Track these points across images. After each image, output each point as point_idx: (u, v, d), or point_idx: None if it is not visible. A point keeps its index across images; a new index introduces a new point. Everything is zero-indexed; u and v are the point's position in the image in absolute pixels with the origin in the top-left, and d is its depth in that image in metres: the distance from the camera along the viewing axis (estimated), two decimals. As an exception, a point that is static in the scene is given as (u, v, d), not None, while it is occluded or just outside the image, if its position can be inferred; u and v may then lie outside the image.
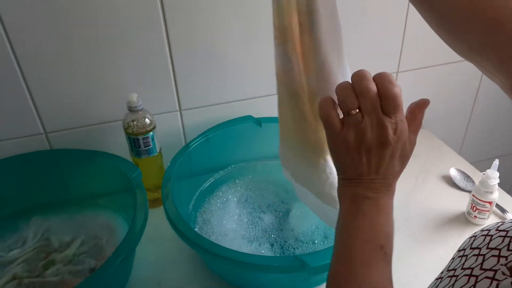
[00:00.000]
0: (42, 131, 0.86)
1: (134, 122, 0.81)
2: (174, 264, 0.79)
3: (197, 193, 0.89)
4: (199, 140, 0.87)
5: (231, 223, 0.85)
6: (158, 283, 0.76)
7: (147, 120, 0.82)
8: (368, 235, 0.43)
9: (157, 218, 0.81)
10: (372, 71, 0.44)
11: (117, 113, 0.87)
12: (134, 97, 0.79)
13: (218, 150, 0.91)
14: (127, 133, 0.82)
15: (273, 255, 0.78)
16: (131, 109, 0.80)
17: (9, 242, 0.82)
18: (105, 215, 0.87)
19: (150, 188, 0.88)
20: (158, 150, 0.86)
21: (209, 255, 0.63)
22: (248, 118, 0.93)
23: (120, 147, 0.87)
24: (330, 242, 0.79)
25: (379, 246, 0.42)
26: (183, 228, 0.67)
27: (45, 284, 0.74)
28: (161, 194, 0.74)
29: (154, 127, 0.83)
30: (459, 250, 0.43)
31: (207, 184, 0.92)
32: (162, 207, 0.89)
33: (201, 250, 0.64)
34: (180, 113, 0.92)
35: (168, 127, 0.93)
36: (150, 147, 0.83)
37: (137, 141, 0.81)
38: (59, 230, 0.85)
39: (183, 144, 0.97)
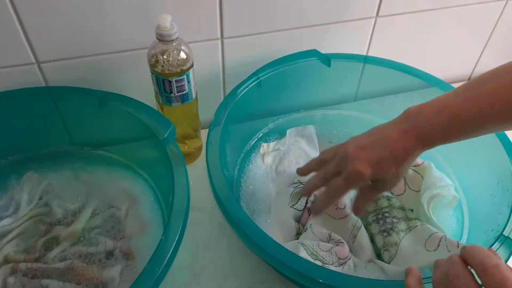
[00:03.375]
0: (33, 59, 0.62)
1: (165, 57, 0.57)
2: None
3: (242, 153, 0.68)
4: (249, 85, 0.64)
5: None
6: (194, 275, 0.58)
7: (182, 55, 0.58)
8: None
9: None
10: None
11: (138, 38, 0.62)
12: (167, 20, 0.54)
13: (272, 96, 0.69)
14: (154, 72, 0.58)
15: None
16: (162, 38, 0.55)
17: (-4, 207, 0.63)
18: (121, 175, 0.67)
19: (177, 138, 0.67)
20: (194, 96, 0.63)
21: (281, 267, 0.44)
22: (312, 53, 0.69)
23: (141, 87, 0.64)
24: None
25: None
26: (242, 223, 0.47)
27: (48, 272, 0.56)
28: (206, 164, 0.53)
29: (192, 65, 0.59)
30: None
31: (253, 141, 0.70)
32: (192, 164, 0.71)
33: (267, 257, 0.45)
34: (222, 42, 0.68)
35: (203, 61, 0.69)
36: (185, 92, 0.60)
37: (168, 84, 0.58)
38: (62, 193, 0.65)
39: (221, 85, 0.74)
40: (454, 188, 0.62)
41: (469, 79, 0.94)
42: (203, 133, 0.70)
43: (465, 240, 0.58)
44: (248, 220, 0.46)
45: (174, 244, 0.44)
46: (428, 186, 0.61)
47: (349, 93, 0.78)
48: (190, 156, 0.70)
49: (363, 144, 0.52)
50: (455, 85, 0.70)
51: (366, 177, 0.51)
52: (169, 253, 0.43)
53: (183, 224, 0.46)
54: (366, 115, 0.76)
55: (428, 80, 0.71)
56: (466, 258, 0.36)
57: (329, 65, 0.69)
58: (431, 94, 0.72)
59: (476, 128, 0.49)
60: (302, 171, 0.60)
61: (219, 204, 0.48)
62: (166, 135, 0.55)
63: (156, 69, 0.58)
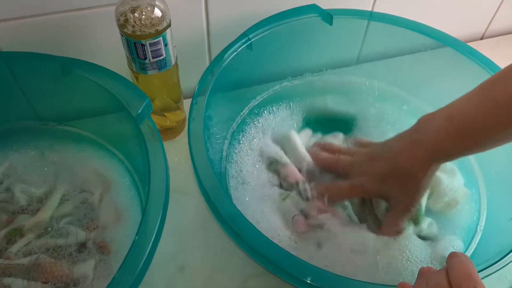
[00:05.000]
0: (-23, 19, 0.52)
1: (136, 15, 0.47)
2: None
3: (232, 127, 0.60)
4: (237, 48, 0.54)
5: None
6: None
7: (157, 12, 0.48)
8: None
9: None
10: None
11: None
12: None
13: (264, 60, 0.60)
14: (124, 34, 0.49)
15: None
16: (131, -8, 0.46)
17: None
18: (93, 154, 0.58)
19: (156, 111, 0.58)
20: (173, 61, 0.53)
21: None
22: (312, 9, 0.60)
23: (111, 53, 0.55)
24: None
25: None
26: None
27: (10, 269, 0.49)
28: (189, 149, 0.45)
29: (169, 25, 0.50)
30: None
31: (245, 112, 0.61)
32: (175, 140, 0.62)
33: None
34: (205, -4, 0.58)
35: (183, 20, 0.59)
36: (161, 57, 0.51)
37: (141, 48, 0.49)
38: (26, 176, 0.57)
39: (206, 48, 0.64)
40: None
41: (482, 38, 0.85)
42: (186, 104, 0.61)
43: (482, 226, 0.52)
44: (239, 216, 0.38)
45: (150, 246, 0.37)
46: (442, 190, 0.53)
47: (351, 56, 0.70)
48: (173, 131, 0.62)
49: (371, 156, 0.50)
50: (471, 44, 0.62)
51: (369, 193, 0.50)
52: (144, 258, 0.36)
53: (161, 221, 0.39)
54: (371, 81, 0.68)
55: (441, 39, 0.63)
56: (448, 271, 0.33)
57: (330, 23, 0.60)
58: (443, 55, 0.65)
59: (492, 138, 0.42)
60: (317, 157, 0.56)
61: (205, 197, 0.41)
62: (140, 111, 0.46)
63: (125, 30, 0.48)
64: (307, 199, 0.52)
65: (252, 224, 0.38)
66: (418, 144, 0.45)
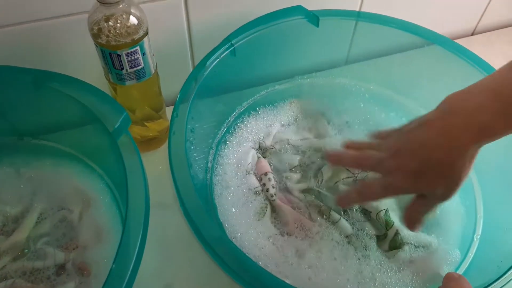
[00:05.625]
0: None
1: (110, 23, 0.45)
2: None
3: (218, 135, 0.57)
4: (220, 54, 0.52)
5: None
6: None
7: (133, 20, 0.45)
8: None
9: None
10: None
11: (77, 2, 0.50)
12: (106, -24, 0.41)
13: (249, 66, 0.57)
14: (98, 44, 0.46)
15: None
16: (104, 0, 0.43)
17: None
18: (71, 170, 0.55)
19: (136, 122, 0.56)
20: (153, 70, 0.51)
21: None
22: (297, 10, 0.57)
23: (87, 63, 0.52)
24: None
25: None
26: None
27: (-15, 296, 0.46)
28: (170, 166, 0.42)
29: (146, 33, 0.47)
30: None
31: (231, 119, 0.59)
32: (159, 149, 0.60)
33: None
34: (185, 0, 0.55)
35: (163, 26, 0.56)
36: (139, 67, 0.48)
37: (117, 58, 0.46)
38: (0, 195, 0.54)
39: (188, 54, 0.61)
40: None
41: (472, 34, 0.84)
42: (169, 111, 0.59)
43: (479, 235, 0.50)
44: (223, 239, 0.36)
45: (129, 273, 0.34)
46: None
47: (339, 57, 0.68)
48: (156, 141, 0.59)
49: (396, 150, 0.42)
50: (459, 41, 0.60)
51: (404, 192, 0.43)
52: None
53: (141, 244, 0.36)
54: (359, 82, 0.66)
55: (429, 37, 0.61)
56: None
57: (317, 25, 0.57)
58: (432, 54, 0.63)
59: None
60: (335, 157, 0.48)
61: (188, 220, 0.38)
62: (117, 125, 0.44)
63: (99, 41, 0.45)
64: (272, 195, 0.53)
65: (236, 246, 0.36)
66: (456, 128, 0.39)
